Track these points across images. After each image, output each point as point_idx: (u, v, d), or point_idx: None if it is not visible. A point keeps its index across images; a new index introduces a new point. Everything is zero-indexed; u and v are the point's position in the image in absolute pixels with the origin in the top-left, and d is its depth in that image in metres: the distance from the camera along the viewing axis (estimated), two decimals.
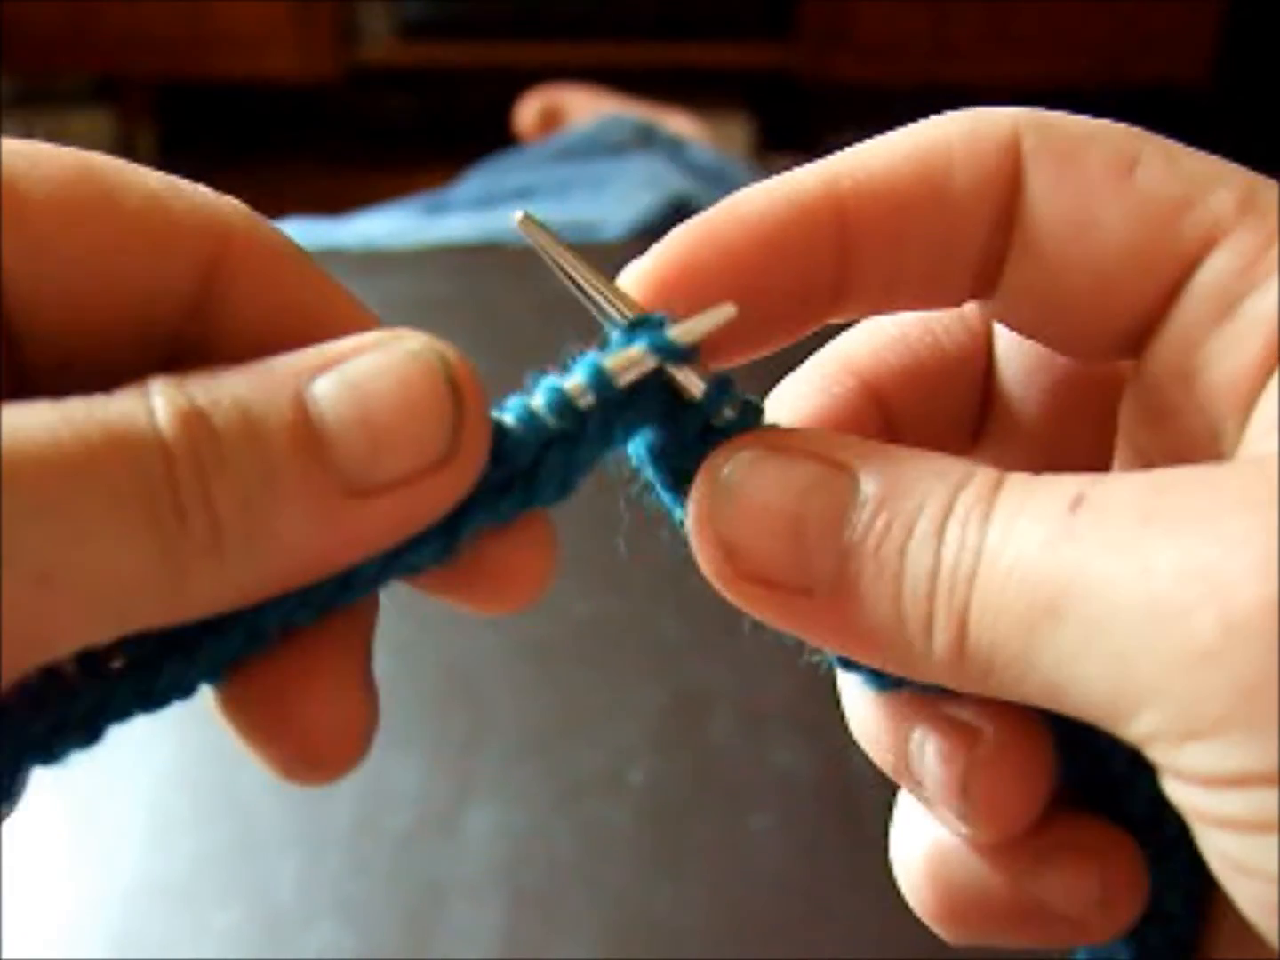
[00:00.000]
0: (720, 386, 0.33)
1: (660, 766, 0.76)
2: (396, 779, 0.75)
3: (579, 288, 0.33)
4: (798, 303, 0.34)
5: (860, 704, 0.36)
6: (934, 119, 0.34)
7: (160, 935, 0.69)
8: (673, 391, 0.33)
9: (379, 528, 0.30)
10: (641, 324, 0.33)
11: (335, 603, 0.31)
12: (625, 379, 0.32)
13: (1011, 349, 0.38)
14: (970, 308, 0.37)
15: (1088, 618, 0.28)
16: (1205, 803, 0.28)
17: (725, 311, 0.33)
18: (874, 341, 0.38)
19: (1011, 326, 0.36)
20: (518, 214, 0.33)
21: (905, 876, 0.36)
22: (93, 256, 0.30)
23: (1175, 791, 0.29)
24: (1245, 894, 0.29)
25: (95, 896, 0.70)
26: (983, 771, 0.33)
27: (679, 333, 0.32)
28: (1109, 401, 0.36)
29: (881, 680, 0.34)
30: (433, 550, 0.31)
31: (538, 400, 0.32)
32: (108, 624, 0.28)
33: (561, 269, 0.33)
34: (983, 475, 0.30)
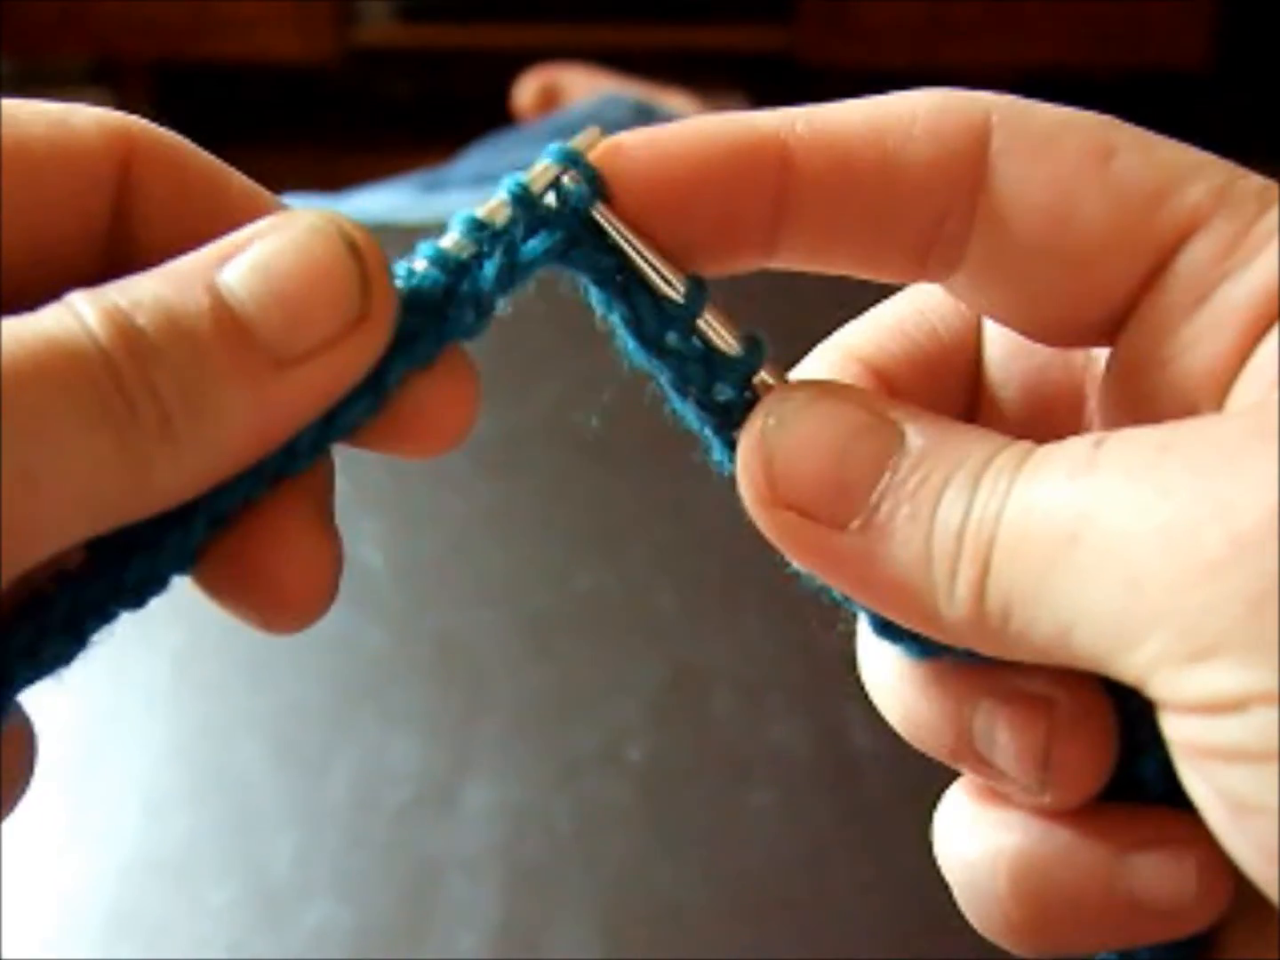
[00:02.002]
0: (698, 285, 0.34)
1: (659, 742, 0.76)
2: (394, 755, 0.75)
3: (627, 260, 0.35)
4: (726, 234, 0.35)
5: (909, 686, 0.36)
6: (910, 92, 0.35)
7: (156, 911, 0.69)
8: (650, 290, 0.35)
9: (311, 393, 0.32)
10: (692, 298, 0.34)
11: (285, 473, 0.33)
12: (499, 220, 0.34)
13: (994, 337, 0.39)
14: None
15: (1104, 540, 0.29)
16: (1208, 734, 0.28)
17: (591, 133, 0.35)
18: (872, 330, 0.39)
19: (979, 310, 0.37)
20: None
21: (977, 893, 0.35)
22: (13, 186, 0.32)
23: (1177, 730, 0.29)
24: (1248, 836, 0.29)
25: (91, 872, 0.70)
26: (1067, 737, 0.33)
27: (533, 175, 0.34)
28: (1085, 391, 0.37)
29: (921, 647, 0.35)
30: (364, 406, 0.33)
31: (438, 242, 0.34)
32: (84, 520, 0.30)
33: (615, 243, 0.35)
34: (1023, 442, 0.31)
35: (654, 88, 1.92)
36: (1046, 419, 0.38)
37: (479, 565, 0.88)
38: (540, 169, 0.35)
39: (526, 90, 2.00)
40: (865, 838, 0.72)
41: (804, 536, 0.33)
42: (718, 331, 0.35)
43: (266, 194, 0.35)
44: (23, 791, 0.35)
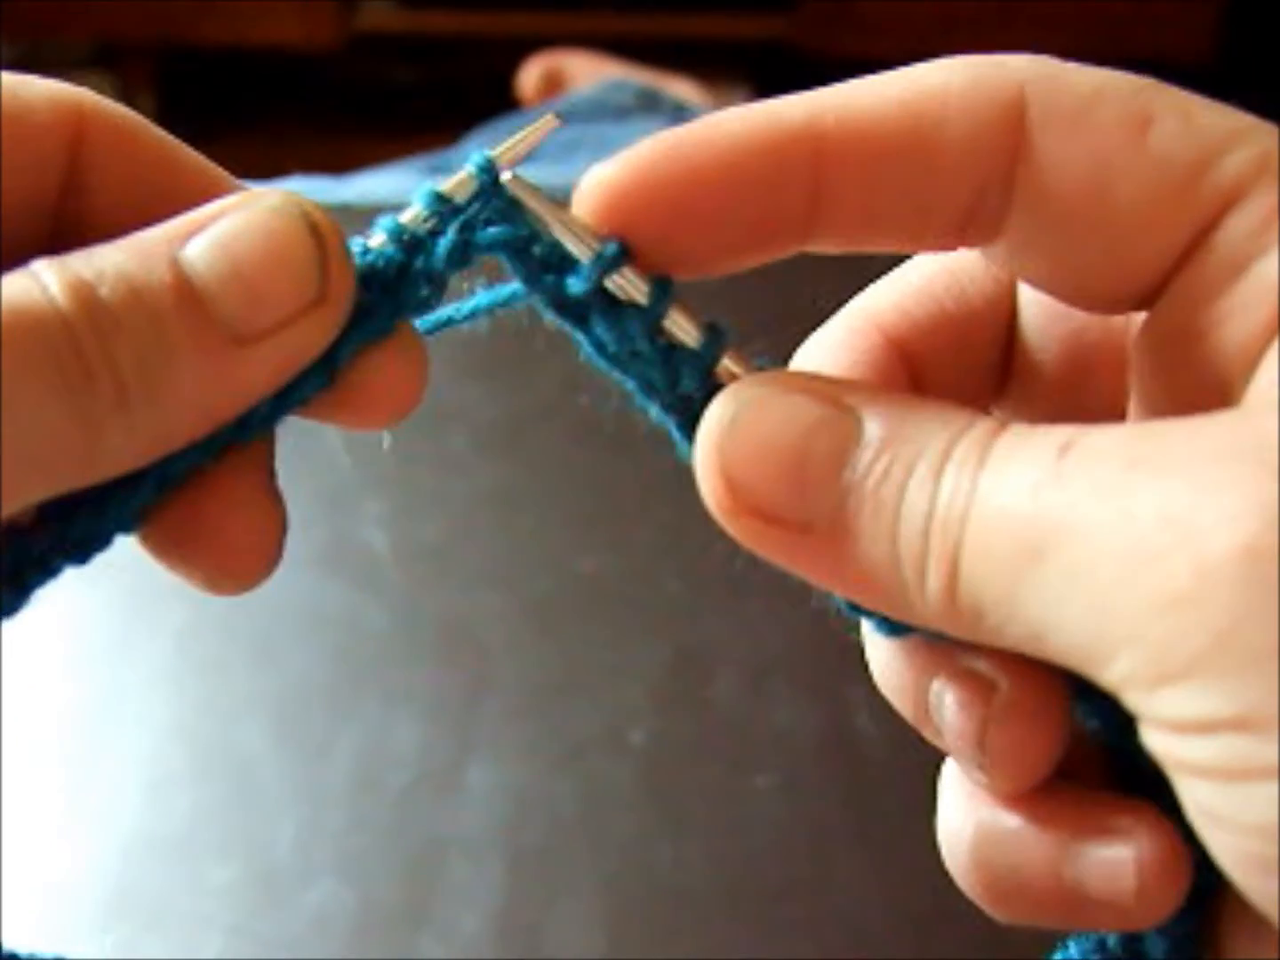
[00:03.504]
0: (662, 288, 0.34)
1: (662, 725, 0.76)
2: (397, 736, 0.75)
3: (545, 225, 0.34)
4: (764, 232, 0.34)
5: (883, 653, 0.36)
6: (939, 62, 0.34)
7: (158, 891, 0.68)
8: (609, 295, 0.34)
9: (267, 370, 0.32)
10: (598, 259, 0.34)
11: (234, 442, 0.34)
12: (461, 195, 0.34)
13: (1031, 300, 0.38)
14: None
15: (1070, 561, 0.28)
16: (1180, 750, 0.29)
17: (547, 123, 0.35)
18: (898, 294, 0.38)
19: (1018, 276, 0.36)
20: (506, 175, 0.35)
21: (951, 858, 0.36)
22: None
23: (1152, 740, 0.29)
24: (1221, 847, 0.29)
25: (92, 851, 0.70)
26: (998, 723, 0.33)
27: (500, 151, 0.35)
28: (1125, 353, 0.37)
29: (890, 626, 0.35)
30: (316, 381, 0.34)
31: (398, 216, 0.35)
32: (35, 484, 0.30)
33: (531, 211, 0.35)
34: (983, 424, 0.31)
35: (658, 74, 1.92)
36: (1087, 381, 0.38)
37: (482, 547, 0.88)
38: (507, 145, 0.35)
39: (530, 76, 2.00)
40: (868, 820, 0.72)
41: (770, 540, 0.33)
42: (680, 325, 0.34)
43: (222, 172, 0.36)
44: None
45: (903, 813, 0.70)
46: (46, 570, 0.33)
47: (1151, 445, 0.29)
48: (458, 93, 3.20)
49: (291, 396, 0.34)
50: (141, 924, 0.67)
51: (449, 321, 0.37)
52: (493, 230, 0.34)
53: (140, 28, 3.13)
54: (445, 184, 0.35)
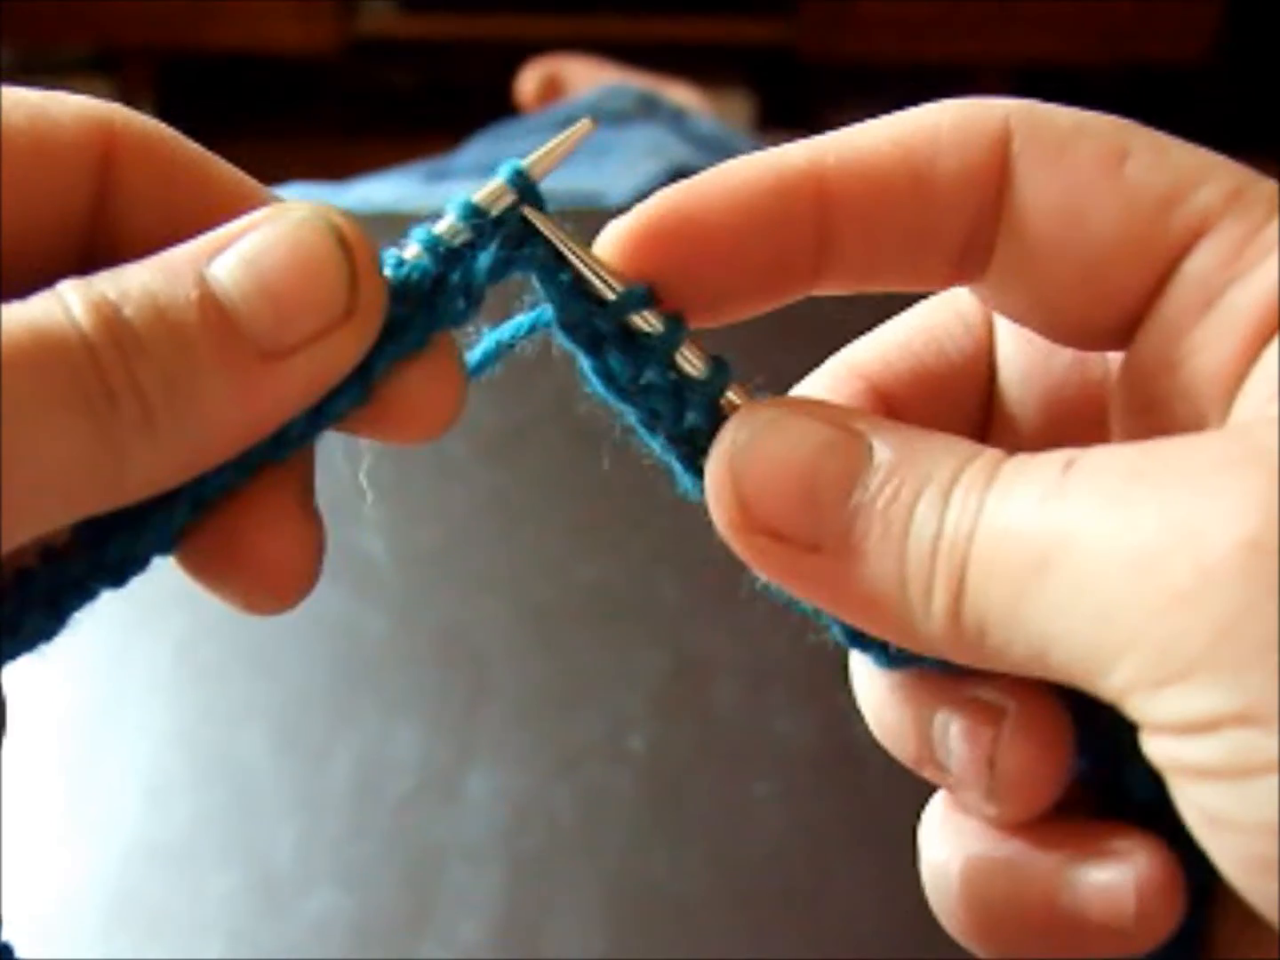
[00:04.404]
0: (677, 322, 0.35)
1: (661, 733, 0.76)
2: (396, 743, 0.75)
3: (567, 261, 0.35)
4: (775, 273, 0.35)
5: (877, 692, 0.36)
6: (929, 106, 0.35)
7: (158, 898, 0.69)
8: (625, 327, 0.35)
9: (298, 386, 0.32)
10: (627, 297, 0.34)
11: (270, 460, 0.33)
12: (495, 206, 0.34)
13: (1010, 352, 0.39)
14: (972, 311, 0.38)
15: (1074, 570, 0.29)
16: (1182, 753, 0.29)
17: (581, 129, 0.35)
18: (880, 349, 0.39)
19: (1002, 312, 0.37)
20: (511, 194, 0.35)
21: (938, 895, 0.36)
22: None
23: (1154, 748, 0.30)
24: (1225, 849, 0.29)
25: (92, 858, 0.70)
26: (1009, 746, 0.34)
27: (531, 160, 0.35)
28: (1103, 409, 0.37)
29: (891, 657, 0.35)
30: (351, 396, 0.33)
31: (432, 228, 0.34)
32: (61, 508, 0.30)
33: (551, 244, 0.35)
34: (990, 451, 0.32)
35: (657, 79, 1.92)
36: (1065, 437, 0.38)
37: (481, 554, 0.88)
38: (540, 154, 0.35)
39: (530, 81, 2.00)
40: (867, 828, 0.72)
41: (778, 559, 0.33)
42: (688, 359, 0.35)
43: (255, 184, 0.35)
44: None
45: (901, 820, 0.70)
46: (83, 593, 0.33)
47: (1152, 459, 0.29)
48: (457, 98, 3.20)
49: (326, 412, 0.33)
50: (141, 931, 0.67)
51: (495, 354, 0.36)
52: (529, 250, 0.34)
53: (140, 32, 3.13)
54: (478, 194, 0.34)
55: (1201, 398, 0.32)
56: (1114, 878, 0.33)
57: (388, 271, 0.34)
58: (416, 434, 0.35)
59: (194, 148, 0.35)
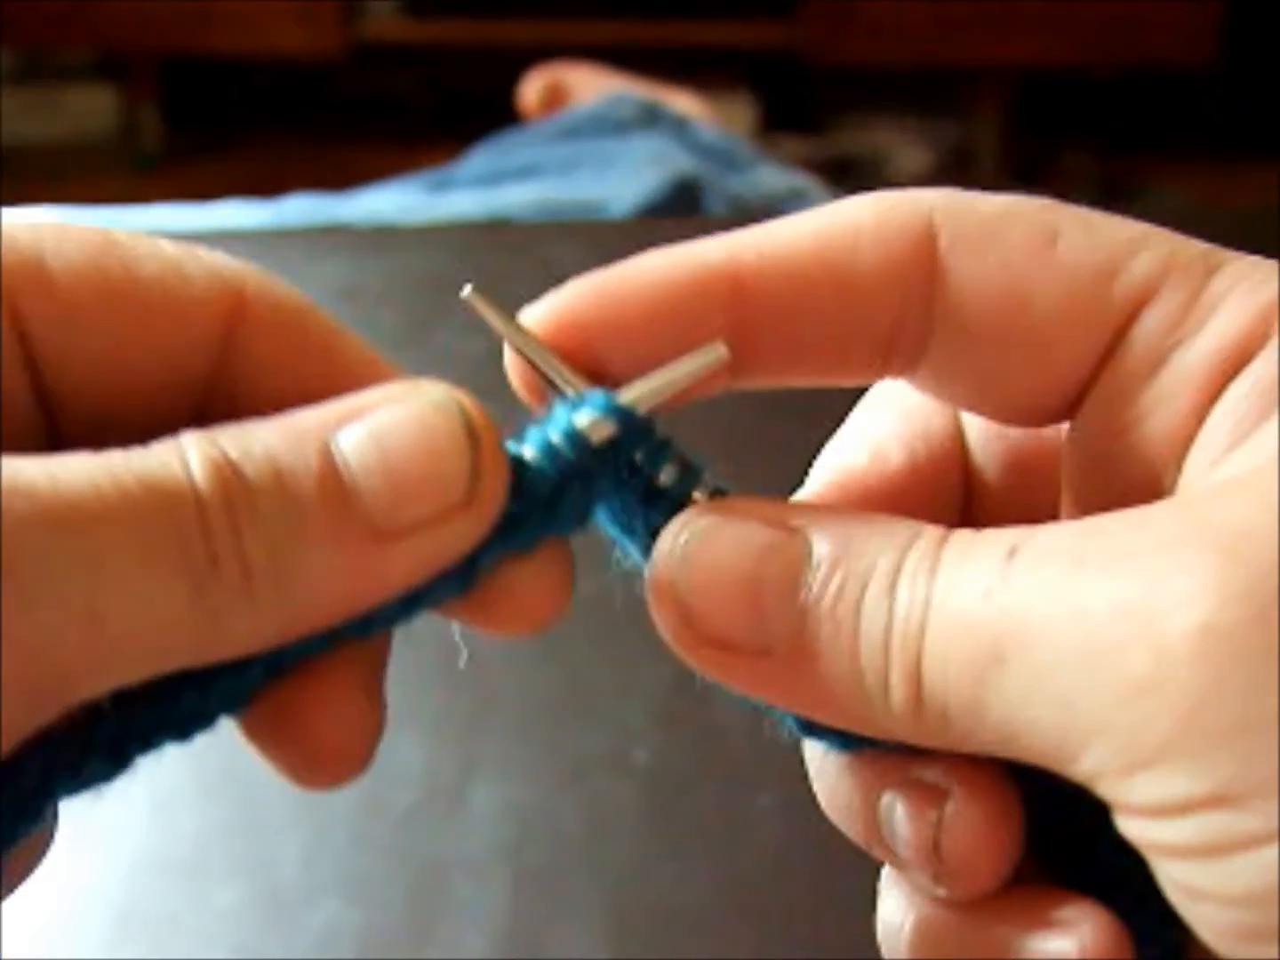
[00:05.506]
0: (660, 449, 0.34)
1: (665, 745, 0.76)
2: (401, 756, 0.75)
3: (527, 359, 0.34)
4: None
5: (829, 774, 0.36)
6: (852, 199, 0.35)
7: (163, 911, 0.69)
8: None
9: (403, 569, 0.31)
10: (582, 401, 0.34)
11: (354, 637, 0.33)
12: (599, 437, 0.34)
13: (972, 420, 0.39)
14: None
15: (1029, 663, 0.29)
16: (1157, 834, 0.29)
17: (714, 360, 0.34)
18: (855, 451, 0.39)
19: (944, 399, 0.37)
20: (465, 290, 0.34)
21: (889, 951, 0.36)
22: (116, 322, 0.31)
23: (1128, 827, 0.30)
24: (1203, 920, 0.29)
25: (98, 871, 0.70)
26: (952, 829, 0.33)
27: (640, 393, 0.34)
28: (1058, 455, 0.38)
29: (846, 741, 0.35)
30: (454, 585, 0.33)
31: (555, 436, 0.33)
32: (146, 663, 0.29)
33: (511, 344, 0.34)
34: (929, 533, 0.32)
35: (660, 87, 1.92)
36: (1027, 493, 0.39)
37: None
38: (655, 388, 0.34)
39: (532, 89, 2.00)
40: None
41: (730, 668, 0.33)
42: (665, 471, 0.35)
43: (381, 360, 0.34)
44: (26, 878, 0.35)
45: None
46: (148, 745, 0.32)
47: (1096, 542, 0.29)
48: (460, 105, 3.21)
49: (425, 597, 0.33)
50: (147, 945, 0.67)
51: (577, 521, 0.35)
52: (633, 490, 0.34)
53: (144, 37, 3.14)
54: (585, 422, 0.33)
55: (1154, 459, 0.33)
56: (1061, 948, 0.33)
57: (527, 450, 0.33)
58: (514, 629, 0.35)
59: (324, 319, 0.34)
